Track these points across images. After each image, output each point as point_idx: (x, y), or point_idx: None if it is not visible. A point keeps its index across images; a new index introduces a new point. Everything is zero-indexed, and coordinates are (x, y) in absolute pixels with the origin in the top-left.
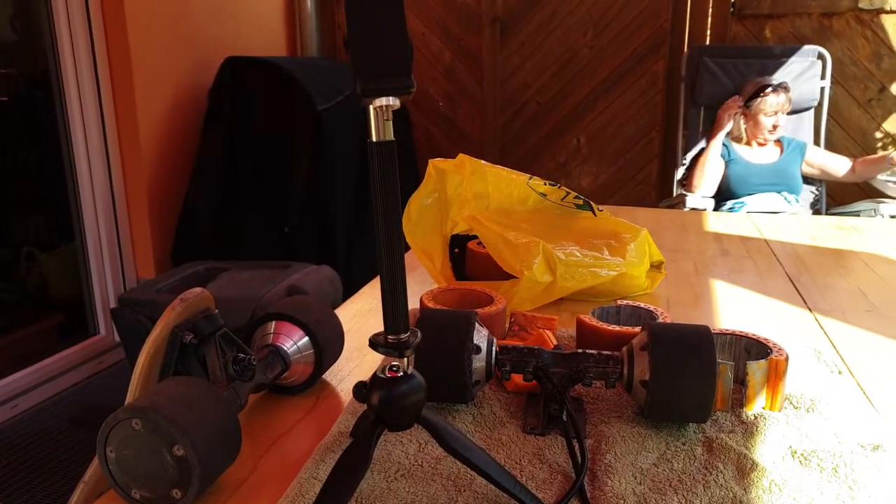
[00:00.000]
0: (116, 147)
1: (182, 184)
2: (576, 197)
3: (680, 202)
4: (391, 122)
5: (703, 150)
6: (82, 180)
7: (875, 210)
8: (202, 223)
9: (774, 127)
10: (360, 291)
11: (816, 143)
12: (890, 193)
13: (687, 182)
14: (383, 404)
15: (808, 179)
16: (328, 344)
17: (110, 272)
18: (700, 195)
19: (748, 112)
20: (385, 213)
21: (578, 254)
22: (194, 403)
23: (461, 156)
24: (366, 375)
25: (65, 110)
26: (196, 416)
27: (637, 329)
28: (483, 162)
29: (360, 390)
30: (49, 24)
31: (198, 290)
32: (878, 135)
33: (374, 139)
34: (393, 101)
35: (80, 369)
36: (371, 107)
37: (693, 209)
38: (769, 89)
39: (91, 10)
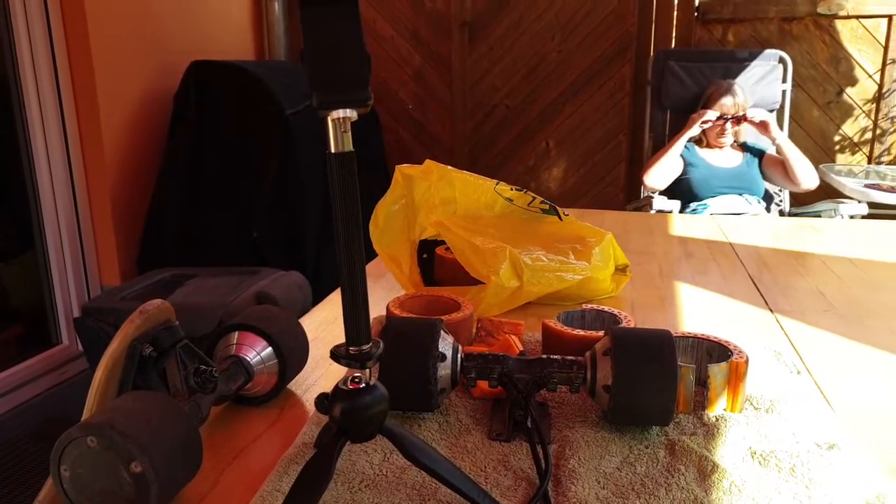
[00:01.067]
0: (78, 151)
1: (147, 189)
2: (542, 202)
3: (647, 204)
4: (350, 134)
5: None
6: (43, 185)
7: (835, 210)
8: (168, 229)
9: (723, 131)
10: (327, 299)
11: None
12: (847, 193)
13: (643, 169)
14: (345, 416)
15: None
16: (292, 354)
17: (73, 280)
18: (649, 185)
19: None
20: (345, 224)
21: (545, 258)
22: (153, 418)
23: (428, 161)
24: (331, 385)
25: (23, 113)
26: (154, 430)
27: (600, 333)
28: (450, 168)
29: (322, 402)
30: (6, 24)
31: (157, 301)
32: (837, 137)
33: (332, 150)
34: (350, 113)
35: (42, 380)
36: (329, 118)
37: (660, 211)
38: (723, 98)
39: (50, 8)
